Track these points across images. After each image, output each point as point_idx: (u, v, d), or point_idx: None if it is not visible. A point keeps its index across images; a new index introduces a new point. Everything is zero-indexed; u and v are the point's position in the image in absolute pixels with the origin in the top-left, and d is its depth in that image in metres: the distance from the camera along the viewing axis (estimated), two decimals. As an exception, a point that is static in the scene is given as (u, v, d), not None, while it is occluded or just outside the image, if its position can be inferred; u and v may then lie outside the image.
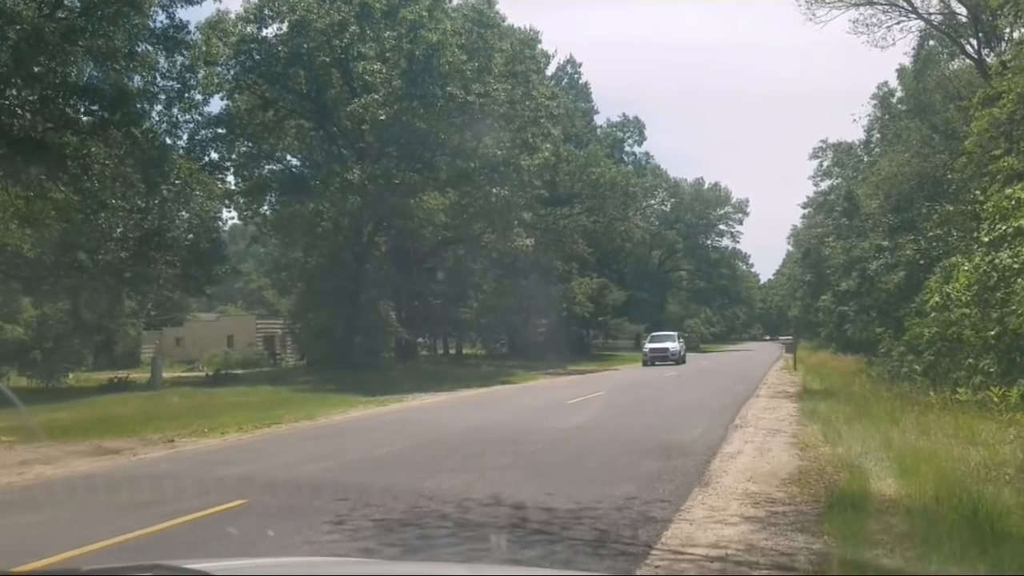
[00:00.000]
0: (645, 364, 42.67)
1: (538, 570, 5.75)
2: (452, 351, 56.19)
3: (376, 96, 30.98)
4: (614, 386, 28.11)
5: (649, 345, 45.99)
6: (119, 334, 66.85)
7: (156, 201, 26.75)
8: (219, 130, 34.88)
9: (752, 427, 14.92)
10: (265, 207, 38.75)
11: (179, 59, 27.69)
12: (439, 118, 32.13)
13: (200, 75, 28.84)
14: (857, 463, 10.26)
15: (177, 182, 26.29)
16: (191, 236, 27.76)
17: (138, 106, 24.93)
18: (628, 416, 16.85)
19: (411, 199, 32.48)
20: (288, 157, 38.40)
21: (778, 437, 13.44)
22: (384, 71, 31.89)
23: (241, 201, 38.13)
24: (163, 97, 27.37)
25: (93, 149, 26.94)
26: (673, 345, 45.38)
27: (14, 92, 24.28)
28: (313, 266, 39.80)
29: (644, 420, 15.96)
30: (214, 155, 35.47)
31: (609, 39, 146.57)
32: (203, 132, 34.73)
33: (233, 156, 36.51)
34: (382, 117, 30.65)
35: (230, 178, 37.58)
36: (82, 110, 24.83)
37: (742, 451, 11.76)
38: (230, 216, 41.07)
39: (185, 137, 33.81)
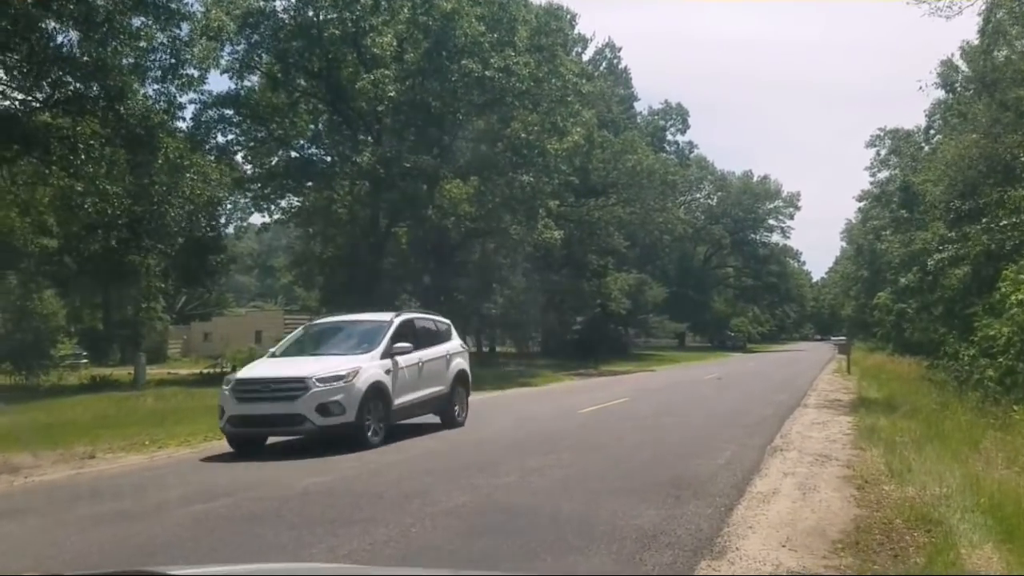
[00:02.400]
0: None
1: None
2: (485, 349, 53.55)
3: (387, 71, 28.43)
4: (642, 390, 25.21)
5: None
6: (146, 328, 65.82)
7: (145, 183, 24.53)
8: (225, 111, 32.69)
9: (795, 450, 12.00)
10: (282, 198, 36.62)
11: (175, 31, 25.57)
12: (455, 96, 29.52)
13: (195, 49, 26.44)
14: (937, 515, 7.38)
15: (163, 163, 23.94)
16: (184, 223, 25.45)
17: (120, 79, 22.58)
18: (643, 431, 13.99)
19: (424, 184, 29.82)
20: (301, 141, 35.87)
21: (828, 467, 10.53)
22: (395, 44, 29.39)
23: (254, 188, 36.02)
24: (153, 72, 24.97)
25: (78, 128, 25.06)
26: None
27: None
28: (329, 259, 37.47)
29: (661, 438, 13.09)
30: (221, 138, 33.38)
31: (652, 29, 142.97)
32: (209, 112, 32.63)
33: (242, 140, 34.33)
34: (391, 93, 28.12)
35: (246, 166, 35.58)
36: (54, 83, 22.49)
37: (779, 490, 8.90)
38: (244, 203, 38.96)
39: (188, 118, 31.85)
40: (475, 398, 22.67)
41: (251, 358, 46.90)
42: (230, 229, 39.17)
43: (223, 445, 13.20)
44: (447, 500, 7.94)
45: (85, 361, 43.15)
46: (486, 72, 28.28)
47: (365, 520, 7.07)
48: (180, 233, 25.65)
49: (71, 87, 22.47)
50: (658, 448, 11.82)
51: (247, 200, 37.99)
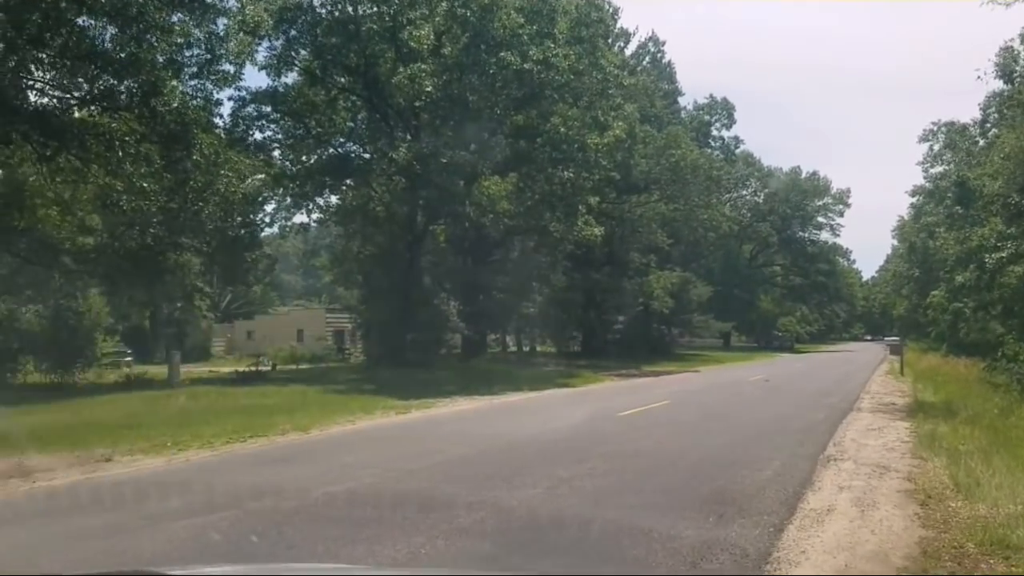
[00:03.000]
0: None
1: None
2: (526, 348, 52.88)
3: (424, 66, 27.85)
4: (685, 392, 24.32)
5: None
6: (190, 327, 66.39)
7: (180, 179, 24.24)
8: (263, 107, 32.39)
9: (850, 460, 11.14)
10: (320, 196, 36.28)
11: (211, 26, 25.31)
12: (493, 90, 28.87)
13: (231, 44, 26.12)
14: (1016, 539, 6.54)
15: (199, 159, 23.60)
16: (218, 220, 25.10)
17: (153, 75, 22.27)
18: (685, 437, 13.17)
19: (461, 181, 29.16)
20: (340, 139, 35.47)
21: (887, 480, 9.67)
22: (433, 38, 28.80)
23: (292, 187, 35.73)
24: (189, 67, 24.67)
25: (113, 124, 24.87)
26: None
27: (18, 60, 22.09)
28: (367, 257, 37.07)
29: (704, 445, 12.28)
30: (258, 135, 33.09)
31: (696, 23, 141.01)
32: (247, 109, 32.38)
33: (280, 137, 34.03)
34: (428, 88, 27.52)
35: (284, 163, 35.25)
36: (88, 78, 22.26)
37: (834, 506, 8.09)
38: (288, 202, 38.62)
39: (226, 115, 31.62)
40: (510, 399, 22.13)
41: (292, 357, 47.07)
42: (275, 228, 39.06)
43: (244, 448, 12.73)
44: (466, 515, 7.27)
45: (129, 359, 43.33)
46: (524, 65, 27.57)
47: (369, 539, 6.42)
48: (215, 231, 25.28)
49: (103, 83, 22.10)
50: (700, 456, 11.03)
51: (288, 199, 37.89)
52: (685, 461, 10.65)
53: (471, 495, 8.08)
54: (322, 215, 37.98)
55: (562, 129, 30.32)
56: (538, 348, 52.38)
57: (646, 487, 8.78)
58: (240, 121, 32.12)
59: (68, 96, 24.35)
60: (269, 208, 36.75)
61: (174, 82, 23.56)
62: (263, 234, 64.81)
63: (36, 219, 26.70)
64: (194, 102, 24.86)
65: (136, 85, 22.31)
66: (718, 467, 10.13)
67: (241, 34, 27.72)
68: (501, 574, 5.16)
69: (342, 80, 33.83)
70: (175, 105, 23.49)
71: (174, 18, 23.29)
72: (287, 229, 40.37)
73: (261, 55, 31.53)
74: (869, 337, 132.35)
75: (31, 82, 24.12)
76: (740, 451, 11.58)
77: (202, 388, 23.31)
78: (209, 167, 24.46)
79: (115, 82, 22.21)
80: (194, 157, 24.07)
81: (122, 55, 21.82)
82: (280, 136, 34.09)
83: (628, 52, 51.26)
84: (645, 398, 21.19)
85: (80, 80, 23.00)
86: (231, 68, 26.52)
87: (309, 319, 61.24)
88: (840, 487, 9.15)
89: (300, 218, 39.94)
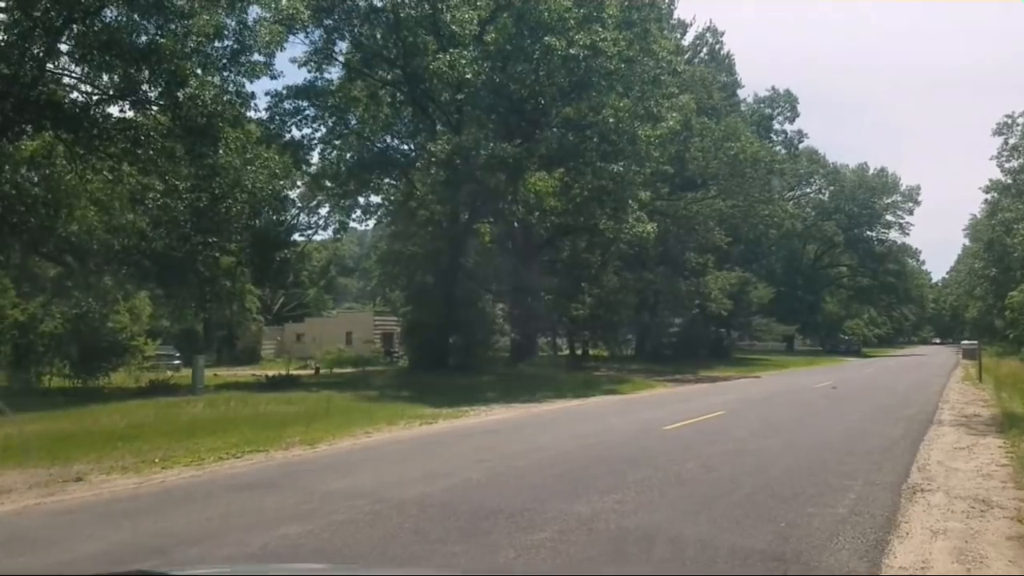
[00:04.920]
0: None
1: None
2: (579, 352, 51.02)
3: (465, 51, 26.31)
4: (743, 401, 22.27)
5: None
6: (241, 329, 66.08)
7: (207, 175, 23.12)
8: (300, 102, 31.22)
9: (940, 491, 9.19)
10: (361, 195, 35.08)
11: (242, 15, 24.18)
12: (538, 79, 27.20)
13: (261, 31, 24.90)
14: None
15: (225, 154, 22.45)
16: (245, 217, 23.90)
17: (175, 64, 21.13)
18: (739, 458, 11.29)
19: (503, 175, 27.52)
20: (383, 136, 34.14)
21: (991, 520, 7.73)
22: (476, 23, 27.26)
23: (331, 187, 34.58)
24: (215, 59, 23.48)
25: (140, 119, 23.89)
26: None
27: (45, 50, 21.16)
28: (409, 257, 35.68)
29: (762, 469, 10.40)
30: (297, 132, 31.90)
31: (756, 15, 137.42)
32: (284, 105, 31.24)
33: (319, 133, 32.85)
34: (468, 75, 25.96)
35: (323, 162, 34.10)
36: (104, 65, 21.20)
37: (929, 561, 6.23)
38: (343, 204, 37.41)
39: (263, 109, 30.50)
40: (550, 408, 20.42)
41: (339, 360, 46.07)
42: (328, 231, 38.09)
43: (234, 466, 11.28)
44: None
45: (177, 362, 42.78)
46: (571, 50, 25.81)
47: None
48: (243, 228, 24.09)
49: (121, 72, 21.02)
50: (756, 486, 9.17)
51: (333, 201, 36.79)
52: (738, 492, 8.81)
53: (460, 544, 6.40)
54: (364, 215, 36.81)
55: (611, 120, 28.48)
56: (591, 352, 50.49)
57: (684, 532, 6.98)
58: (276, 117, 31.04)
59: (97, 92, 23.50)
60: (323, 211, 35.87)
61: (198, 71, 22.44)
62: (318, 237, 64.03)
63: (73, 219, 25.99)
64: (225, 96, 23.75)
65: (157, 75, 21.21)
66: (778, 500, 8.28)
67: (270, 22, 26.56)
68: (501, 574, 4.96)
69: (383, 73, 32.57)
70: (200, 96, 22.43)
71: (197, 5, 22.18)
72: (340, 231, 39.24)
73: (300, 48, 30.48)
74: (938, 340, 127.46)
75: (58, 75, 23.37)
76: (805, 478, 9.70)
77: (225, 394, 22.11)
78: (235, 162, 23.28)
79: (133, 71, 21.11)
80: (219, 152, 22.97)
81: (141, 43, 20.77)
82: (320, 133, 32.90)
83: (685, 43, 49.12)
84: (698, 408, 19.27)
85: (102, 73, 22.06)
86: (261, 58, 25.39)
87: (358, 322, 60.39)
88: (933, 531, 7.25)
89: (342, 219, 39.09)
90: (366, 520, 7.31)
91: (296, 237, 72.94)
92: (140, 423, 15.91)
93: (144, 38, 20.82)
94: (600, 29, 26.63)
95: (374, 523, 7.18)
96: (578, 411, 19.61)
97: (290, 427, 15.21)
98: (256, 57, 25.29)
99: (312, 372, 39.12)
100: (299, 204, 59.20)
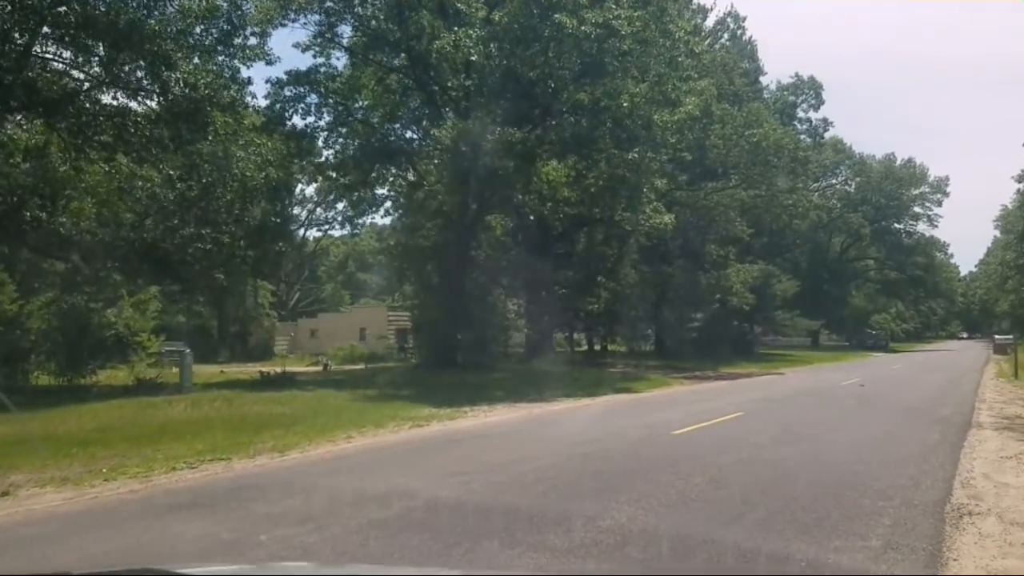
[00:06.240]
0: None
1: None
2: (597, 347, 49.53)
3: (470, 31, 24.96)
4: (763, 401, 20.78)
5: None
6: (254, 324, 65.22)
7: (194, 162, 21.97)
8: (300, 89, 29.98)
9: (992, 514, 7.76)
10: (363, 185, 33.75)
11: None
12: (548, 60, 25.80)
13: (252, 11, 23.64)
14: None
15: (213, 139, 21.25)
16: (237, 208, 22.71)
17: (156, 44, 19.94)
18: (754, 470, 9.89)
19: (511, 162, 26.17)
20: (386, 123, 32.80)
21: (1064, 559, 6.31)
22: (482, 0, 25.94)
23: (335, 176, 33.39)
24: (203, 39, 22.25)
25: (131, 105, 22.81)
26: None
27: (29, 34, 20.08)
28: (417, 250, 34.44)
29: (779, 484, 9.00)
30: (299, 121, 30.66)
31: (784, 12, 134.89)
32: (285, 92, 30.01)
33: (322, 121, 31.58)
34: (473, 57, 24.65)
35: (327, 151, 32.89)
36: (84, 49, 20.06)
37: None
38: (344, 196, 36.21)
39: (262, 97, 29.32)
40: (556, 408, 19.03)
41: (351, 356, 44.98)
42: (344, 227, 37.04)
43: (183, 478, 10.06)
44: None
45: (188, 359, 41.83)
46: (583, 28, 24.37)
47: None
48: (234, 219, 22.88)
49: (99, 52, 19.88)
50: (773, 508, 7.77)
51: (340, 191, 35.66)
52: (750, 517, 7.43)
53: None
54: (370, 207, 35.58)
55: (625, 105, 27.00)
56: (608, 347, 49.04)
57: (680, 568, 5.65)
58: (277, 105, 29.80)
59: (89, 80, 22.43)
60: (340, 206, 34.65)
61: (181, 52, 21.22)
62: (338, 233, 62.90)
63: (69, 211, 25.00)
64: (214, 78, 22.50)
65: (138, 56, 20.04)
66: (798, 529, 6.89)
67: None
68: (503, 574, 5.02)
69: (387, 59, 31.31)
70: (188, 80, 21.26)
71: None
72: (360, 227, 38.05)
73: (302, 34, 29.29)
74: (965, 335, 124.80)
75: (45, 61, 22.34)
76: (831, 497, 8.29)
77: (213, 393, 20.94)
78: (218, 151, 22.06)
79: (113, 53, 19.94)
80: (208, 139, 21.78)
81: (121, 23, 19.57)
82: (323, 122, 31.63)
83: (705, 28, 47.43)
84: (714, 408, 17.84)
85: (79, 55, 20.91)
86: (253, 40, 24.13)
87: (371, 317, 59.29)
88: (990, 573, 5.85)
89: (351, 211, 37.91)
90: (294, 557, 6.03)
91: (314, 233, 72.25)
92: (108, 426, 14.79)
93: (124, 17, 19.59)
94: (613, 7, 25.21)
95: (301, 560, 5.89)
96: (584, 412, 18.25)
97: (268, 431, 14.02)
98: (251, 40, 24.14)
99: (320, 369, 38.08)
100: (315, 199, 58.10)
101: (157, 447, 12.24)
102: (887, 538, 6.65)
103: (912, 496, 8.48)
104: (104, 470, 10.57)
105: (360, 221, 43.31)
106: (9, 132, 23.79)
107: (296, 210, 71.20)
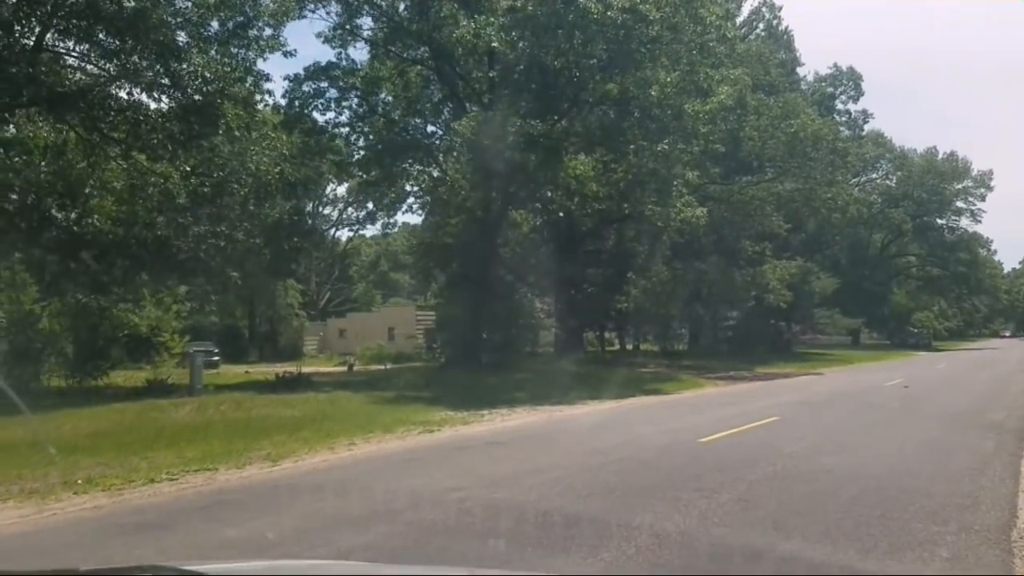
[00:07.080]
0: None
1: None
2: (629, 347, 48.37)
3: (491, 18, 24.04)
4: (801, 404, 19.55)
5: None
6: (283, 325, 64.94)
7: (205, 157, 21.30)
8: (320, 83, 29.27)
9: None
10: (386, 180, 32.95)
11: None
12: (573, 47, 24.78)
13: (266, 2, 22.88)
14: None
15: (226, 132, 20.54)
16: (251, 204, 21.98)
17: (163, 33, 19.28)
18: (788, 490, 8.79)
19: (533, 156, 25.18)
20: (408, 117, 31.98)
21: None
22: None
23: (357, 173, 32.68)
24: (217, 31, 21.58)
25: (144, 98, 22.23)
26: None
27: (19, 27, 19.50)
28: (441, 247, 33.62)
29: (818, 505, 7.92)
30: (319, 117, 29.92)
31: (824, 8, 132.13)
32: (304, 87, 29.31)
33: (343, 117, 30.84)
34: (494, 44, 23.70)
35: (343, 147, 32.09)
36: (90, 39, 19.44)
37: None
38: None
39: (280, 93, 28.72)
40: (577, 411, 17.97)
41: (379, 355, 44.29)
42: (377, 227, 36.44)
43: (156, 493, 9.22)
44: None
45: (216, 359, 41.60)
46: (608, 13, 23.32)
47: None
48: (248, 216, 22.16)
49: (103, 39, 19.23)
50: (809, 534, 6.71)
51: (363, 187, 34.97)
52: (782, 547, 6.36)
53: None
54: (393, 203, 34.81)
55: (655, 94, 25.84)
56: (641, 347, 47.83)
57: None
58: (296, 101, 29.11)
59: (103, 75, 21.87)
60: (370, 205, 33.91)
61: (195, 46, 20.55)
62: (370, 233, 62.39)
63: (88, 209, 24.52)
64: (229, 70, 21.78)
65: (144, 47, 19.37)
66: (839, 566, 5.83)
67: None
68: (502, 573, 4.91)
69: (408, 50, 30.49)
70: (200, 72, 20.60)
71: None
72: (391, 226, 37.19)
73: (321, 25, 28.60)
74: (1008, 333, 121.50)
75: (56, 55, 21.82)
76: (877, 520, 7.20)
77: (223, 396, 20.16)
78: (226, 148, 21.34)
79: (119, 43, 19.30)
80: (220, 133, 21.08)
81: (126, 12, 18.93)
82: (343, 117, 30.88)
83: (740, 19, 46.07)
84: (747, 412, 16.72)
85: (88, 46, 20.31)
86: (268, 31, 23.38)
87: (400, 317, 58.68)
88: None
89: (378, 209, 37.18)
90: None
91: (346, 233, 71.91)
92: (104, 431, 14.06)
93: (130, 6, 18.94)
94: (641, -11, 24.08)
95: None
96: (608, 415, 17.23)
97: (269, 436, 13.22)
98: (266, 31, 23.40)
99: (345, 369, 37.44)
100: (347, 198, 57.58)
101: (145, 455, 11.47)
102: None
103: (971, 519, 7.37)
104: (79, 481, 9.80)
105: (388, 219, 42.78)
106: (27, 131, 23.38)
107: (327, 209, 71.22)
